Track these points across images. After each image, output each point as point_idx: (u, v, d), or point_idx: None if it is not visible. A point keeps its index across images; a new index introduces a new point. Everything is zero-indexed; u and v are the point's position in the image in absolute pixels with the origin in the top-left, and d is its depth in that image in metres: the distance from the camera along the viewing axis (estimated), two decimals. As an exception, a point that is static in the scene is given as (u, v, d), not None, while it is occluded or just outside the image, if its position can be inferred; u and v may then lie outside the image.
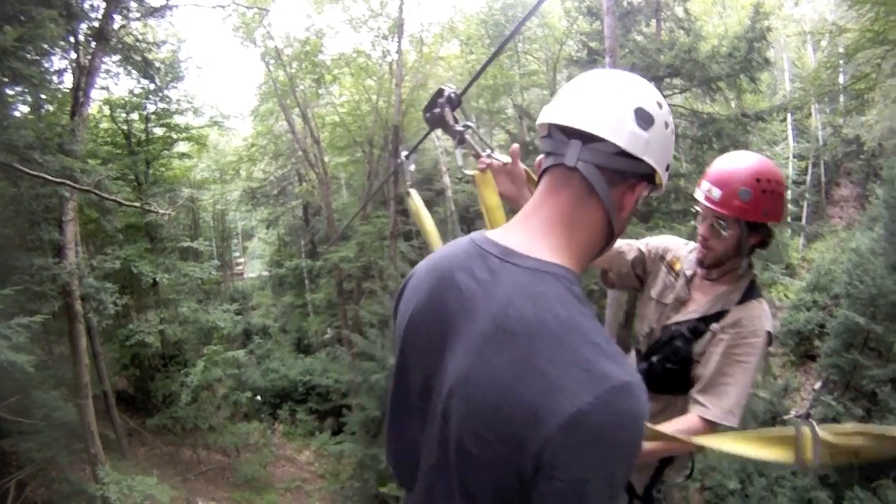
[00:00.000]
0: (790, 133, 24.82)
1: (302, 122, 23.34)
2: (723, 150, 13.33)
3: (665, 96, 10.98)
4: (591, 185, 1.05)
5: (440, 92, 1.86)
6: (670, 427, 1.72)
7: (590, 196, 1.06)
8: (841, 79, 14.58)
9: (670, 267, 2.30)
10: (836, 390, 12.97)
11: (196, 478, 14.89)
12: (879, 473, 10.01)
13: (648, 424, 1.35)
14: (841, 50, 11.78)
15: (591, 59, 14.36)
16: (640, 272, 2.42)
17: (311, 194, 25.15)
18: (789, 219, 22.22)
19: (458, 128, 1.83)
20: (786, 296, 18.74)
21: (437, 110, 1.88)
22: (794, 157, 24.48)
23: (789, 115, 22.89)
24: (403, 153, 2.62)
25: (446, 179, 21.99)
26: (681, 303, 2.20)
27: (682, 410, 2.07)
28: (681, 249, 2.31)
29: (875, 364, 11.89)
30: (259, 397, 19.38)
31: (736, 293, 2.06)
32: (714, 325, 2.03)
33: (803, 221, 23.88)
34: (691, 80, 12.79)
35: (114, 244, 14.96)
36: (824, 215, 24.66)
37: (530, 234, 1.07)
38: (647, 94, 1.10)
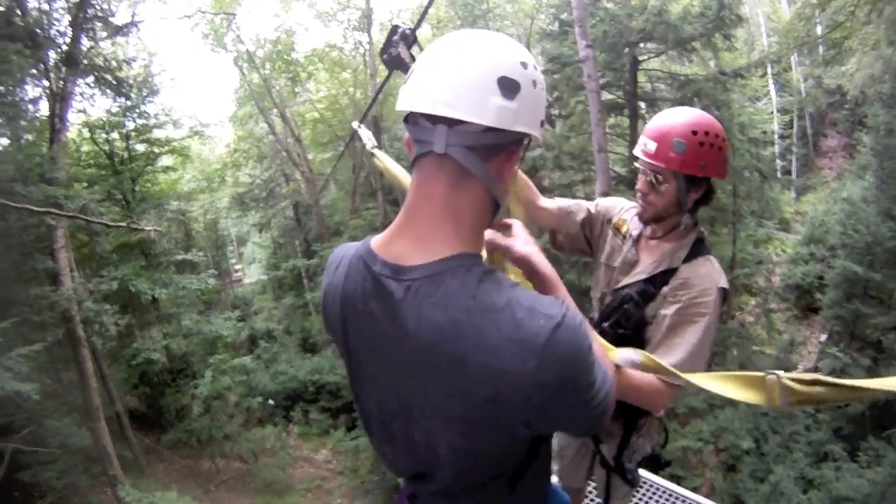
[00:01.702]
0: (772, 88, 24.74)
1: (282, 123, 23.27)
2: (704, 111, 13.35)
3: (640, 61, 11.04)
4: (465, 168, 1.02)
5: (394, 29, 1.83)
6: (637, 379, 1.67)
7: (465, 178, 1.04)
8: (818, 30, 14.55)
9: (616, 229, 2.26)
10: (841, 342, 13.08)
11: (217, 488, 15.04)
12: (892, 422, 10.16)
13: (646, 353, 1.43)
14: (815, 1, 11.70)
15: (563, 32, 14.32)
16: (589, 234, 2.38)
17: (299, 193, 25.13)
18: (779, 173, 22.30)
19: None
20: (782, 250, 18.84)
21: (392, 50, 1.84)
22: (777, 111, 24.44)
23: (769, 70, 22.84)
24: (355, 123, 2.66)
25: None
26: (629, 265, 2.16)
27: None
28: (626, 212, 2.26)
29: (877, 312, 11.96)
30: (271, 401, 19.45)
31: (682, 251, 2.01)
32: (664, 289, 1.99)
33: (793, 175, 23.96)
34: (665, 42, 12.75)
35: (109, 265, 14.96)
36: (814, 167, 24.65)
37: (417, 239, 1.06)
38: (508, 58, 1.02)
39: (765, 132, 20.27)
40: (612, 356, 1.48)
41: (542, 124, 1.08)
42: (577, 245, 2.41)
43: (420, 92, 1.01)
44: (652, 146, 1.93)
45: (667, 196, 1.97)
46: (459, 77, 0.98)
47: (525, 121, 1.03)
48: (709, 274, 1.92)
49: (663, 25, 12.13)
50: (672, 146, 1.88)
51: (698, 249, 2.00)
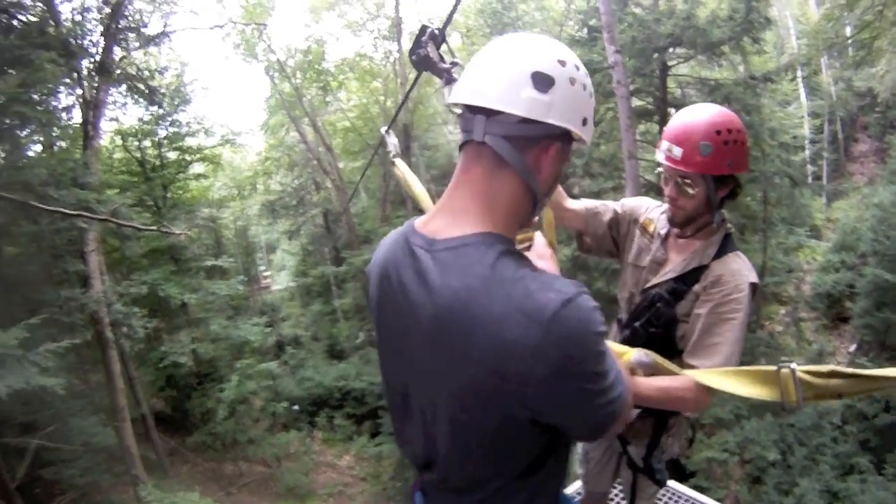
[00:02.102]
0: (802, 91, 24.22)
1: (313, 131, 23.57)
2: (735, 116, 13.21)
3: (669, 66, 10.93)
4: (501, 156, 1.09)
5: (423, 30, 1.83)
6: (668, 383, 1.71)
7: (501, 166, 1.10)
8: (847, 31, 14.26)
9: (644, 229, 2.26)
10: (871, 351, 12.74)
11: (239, 490, 15.20)
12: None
13: (658, 357, 1.44)
14: (842, 1, 11.50)
15: (592, 38, 14.26)
16: (616, 234, 2.38)
17: (329, 202, 25.39)
18: (809, 179, 21.82)
19: (445, 66, 1.80)
20: (813, 258, 18.40)
21: (421, 51, 1.84)
22: (808, 115, 23.93)
23: (799, 74, 22.39)
24: (383, 128, 2.65)
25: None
26: (658, 264, 2.16)
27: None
28: (652, 211, 2.26)
29: (909, 321, 11.65)
30: (296, 406, 19.62)
31: (711, 248, 2.02)
32: (696, 287, 1.99)
33: (824, 181, 23.40)
34: (694, 47, 12.62)
35: (139, 270, 15.29)
36: (845, 172, 24.01)
37: (452, 216, 1.13)
38: (544, 55, 1.09)
39: (795, 137, 19.77)
40: (626, 358, 1.54)
41: (584, 122, 1.13)
42: (604, 246, 2.41)
43: (464, 85, 1.12)
44: (677, 151, 1.92)
45: (697, 199, 1.97)
46: (497, 71, 1.08)
47: (559, 115, 1.08)
48: (740, 270, 1.93)
49: (692, 30, 12.02)
50: (698, 149, 1.88)
51: (727, 246, 2.02)
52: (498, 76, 1.07)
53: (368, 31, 22.17)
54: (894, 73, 13.97)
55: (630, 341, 2.11)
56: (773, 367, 1.16)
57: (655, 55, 12.91)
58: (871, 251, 13.04)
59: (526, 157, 1.10)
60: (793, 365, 1.13)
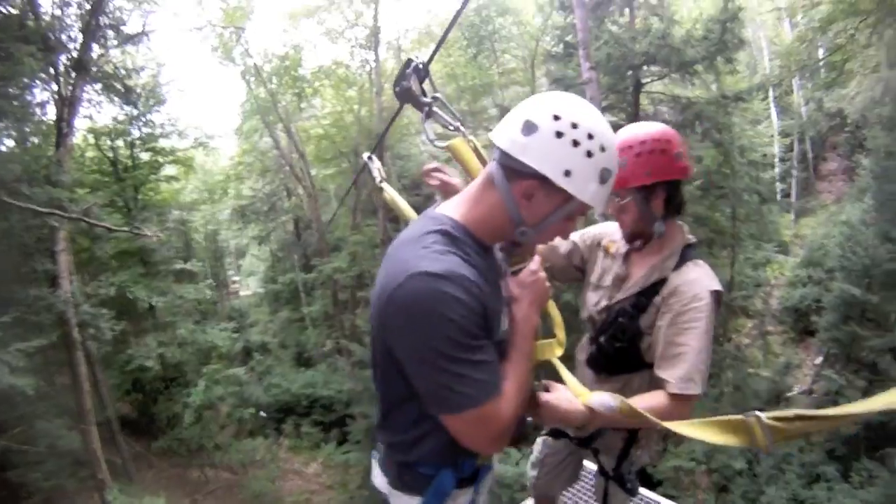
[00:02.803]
0: (773, 111, 24.87)
1: (286, 137, 23.44)
2: (705, 134, 13.48)
3: (643, 84, 11.20)
4: (494, 176, 1.37)
5: (407, 63, 1.88)
6: (641, 403, 1.69)
7: (494, 185, 1.38)
8: (820, 53, 14.73)
9: (606, 251, 2.34)
10: (836, 364, 13.05)
11: (205, 497, 14.96)
12: (886, 442, 10.14)
13: (623, 399, 1.50)
14: (816, 24, 11.91)
15: (568, 53, 14.48)
16: (579, 263, 2.47)
17: (300, 208, 25.23)
18: (778, 196, 22.41)
19: (426, 100, 1.87)
20: (781, 273, 18.89)
21: (405, 83, 1.89)
22: (778, 134, 24.57)
23: (771, 93, 23.03)
24: (365, 154, 2.74)
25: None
26: (620, 280, 2.21)
27: (639, 389, 2.09)
28: (615, 234, 2.31)
29: (874, 334, 11.93)
30: (263, 413, 19.39)
31: (671, 260, 2.06)
32: (656, 298, 2.04)
33: (792, 198, 24.08)
34: (668, 65, 12.87)
35: (108, 271, 15.03)
36: (813, 191, 24.69)
37: (451, 204, 1.46)
38: (543, 108, 1.31)
39: (765, 155, 20.42)
40: (584, 400, 1.59)
41: (567, 174, 1.29)
42: (568, 275, 2.51)
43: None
44: None
45: (631, 211, 2.08)
46: (510, 116, 1.36)
47: (532, 157, 1.28)
48: (698, 279, 1.98)
49: (666, 49, 12.25)
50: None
51: (687, 256, 2.06)
52: (508, 119, 1.35)
53: (346, 40, 22.13)
54: (864, 95, 14.48)
55: (597, 357, 2.23)
56: (741, 417, 1.22)
57: (630, 73, 13.15)
58: (838, 266, 13.39)
59: (512, 185, 1.34)
60: (758, 412, 1.22)
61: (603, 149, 1.31)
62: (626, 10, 13.83)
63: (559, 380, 1.69)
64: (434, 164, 2.04)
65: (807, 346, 15.99)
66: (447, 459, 1.52)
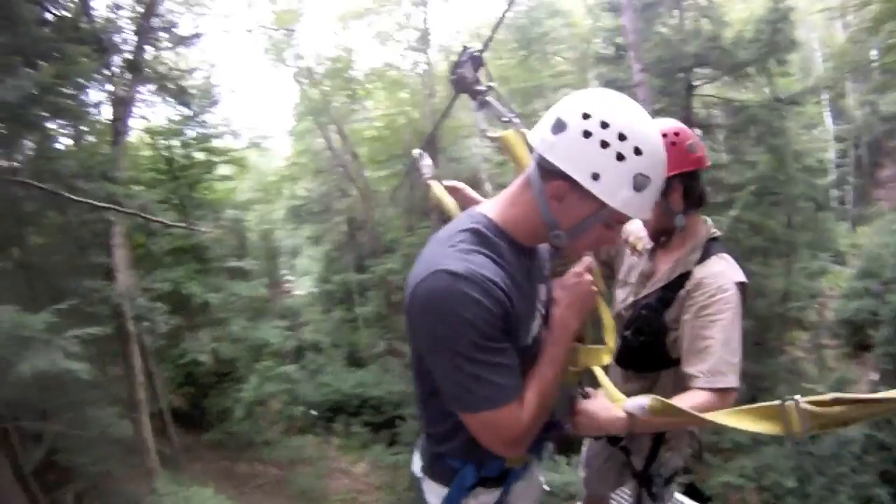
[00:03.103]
0: (827, 115, 23.95)
1: (339, 139, 23.78)
2: (759, 139, 13.04)
3: (694, 87, 10.97)
4: (530, 175, 1.36)
5: (463, 50, 1.88)
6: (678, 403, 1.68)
7: (530, 185, 1.36)
8: (874, 54, 14.05)
9: (633, 248, 2.36)
10: (893, 381, 12.43)
11: (252, 491, 15.18)
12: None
13: (654, 396, 1.45)
14: (867, 25, 11.35)
15: (618, 56, 14.27)
16: (606, 258, 2.51)
17: (354, 209, 25.55)
18: (834, 203, 21.49)
19: (481, 88, 1.84)
20: (836, 284, 18.08)
21: (459, 71, 1.88)
22: (833, 139, 23.62)
23: (824, 97, 22.12)
24: (415, 150, 2.65)
25: (487, 187, 21.99)
26: (646, 276, 2.24)
27: (667, 387, 2.09)
28: (640, 230, 2.34)
29: (933, 351, 11.36)
30: (314, 411, 19.66)
31: (695, 254, 2.09)
32: (680, 292, 2.05)
33: (848, 206, 23.07)
34: (719, 67, 12.59)
35: (163, 267, 15.46)
36: (870, 198, 23.71)
37: (492, 202, 1.45)
38: (574, 106, 1.26)
39: (820, 161, 19.62)
40: (619, 405, 1.56)
41: (595, 177, 1.23)
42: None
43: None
44: None
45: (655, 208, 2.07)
46: (546, 114, 1.33)
47: (559, 156, 1.25)
48: (723, 271, 1.99)
49: (717, 50, 12.00)
50: None
51: (711, 249, 2.09)
52: (544, 117, 1.33)
53: (397, 42, 22.39)
54: (920, 98, 13.75)
55: (623, 352, 2.22)
56: (777, 402, 1.15)
57: (681, 75, 12.88)
58: (895, 278, 12.72)
59: (545, 185, 1.31)
60: (797, 397, 1.10)
61: (638, 152, 1.22)
62: (676, 12, 13.49)
63: (598, 386, 1.69)
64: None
65: (862, 362, 15.25)
66: (472, 455, 1.53)
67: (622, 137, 1.20)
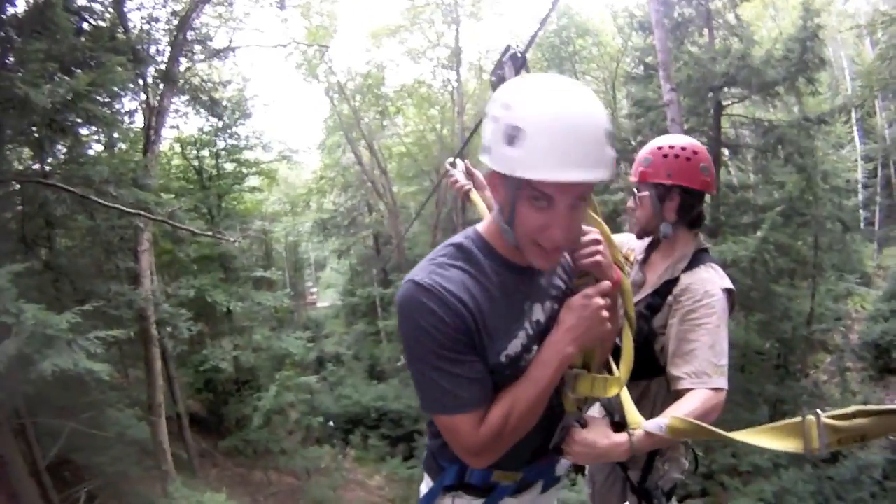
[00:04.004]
0: (856, 134, 23.45)
1: (369, 154, 24.05)
2: (787, 158, 12.85)
3: (724, 105, 10.86)
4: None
5: (506, 50, 1.87)
6: (680, 412, 1.66)
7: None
8: (902, 71, 13.77)
9: (626, 259, 2.34)
10: (918, 407, 12.05)
11: (266, 499, 15.25)
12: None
13: (672, 415, 1.41)
14: None
15: (648, 75, 14.22)
16: None
17: (381, 224, 25.76)
18: (861, 224, 20.99)
19: None
20: (862, 307, 17.62)
21: (499, 71, 1.88)
22: (861, 159, 23.09)
23: (853, 116, 21.65)
24: (449, 160, 2.66)
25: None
26: (637, 286, 2.24)
27: (657, 395, 2.10)
28: (633, 241, 2.38)
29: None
30: (331, 422, 19.75)
31: (682, 261, 2.11)
32: (668, 298, 2.06)
33: (876, 226, 22.53)
34: (748, 86, 12.45)
35: (188, 274, 15.73)
36: (897, 218, 23.14)
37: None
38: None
39: (848, 181, 19.22)
40: (639, 427, 1.50)
41: (486, 150, 1.21)
42: None
43: None
44: (632, 170, 2.22)
45: (646, 207, 2.17)
46: None
47: (484, 150, 1.22)
48: (710, 278, 2.00)
49: (746, 69, 11.86)
50: (642, 162, 2.15)
51: (699, 259, 2.11)
52: None
53: (428, 59, 22.68)
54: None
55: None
56: (798, 419, 1.11)
57: (710, 94, 12.78)
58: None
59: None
60: (818, 411, 1.09)
61: (507, 107, 1.13)
62: (706, 31, 13.41)
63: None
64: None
65: (886, 385, 14.79)
66: (455, 457, 1.46)
67: (501, 103, 1.16)
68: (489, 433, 1.29)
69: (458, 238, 1.38)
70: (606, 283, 1.37)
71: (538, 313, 1.41)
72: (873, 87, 12.63)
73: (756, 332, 13.24)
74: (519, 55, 1.83)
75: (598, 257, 1.36)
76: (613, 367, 1.63)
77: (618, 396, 1.58)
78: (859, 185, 22.05)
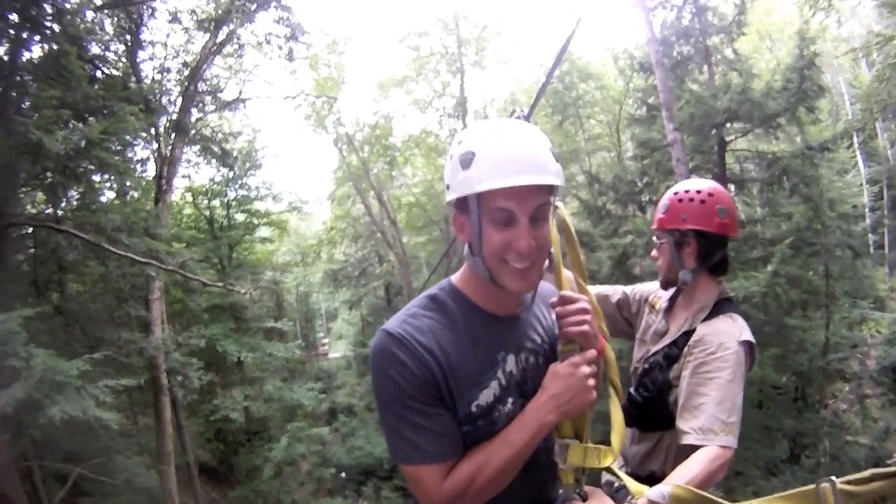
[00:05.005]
0: (859, 158, 23.36)
1: (378, 205, 24.25)
2: (793, 190, 12.85)
3: (727, 141, 10.92)
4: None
5: (512, 113, 1.87)
6: (679, 476, 1.64)
7: None
8: (900, 90, 13.81)
9: (651, 307, 2.37)
10: (941, 428, 11.77)
11: (278, 550, 14.91)
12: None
13: (674, 483, 1.37)
14: (892, 61, 11.25)
15: (651, 116, 14.35)
16: (627, 315, 2.49)
17: (391, 275, 25.78)
18: (871, 248, 20.75)
19: None
20: (878, 331, 17.29)
21: None
22: (866, 182, 22.97)
23: (855, 140, 21.63)
24: None
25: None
26: (659, 335, 2.23)
27: (670, 448, 2.04)
28: (660, 290, 2.35)
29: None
30: (343, 474, 19.41)
31: (703, 312, 2.07)
32: (685, 349, 2.02)
33: (885, 249, 22.26)
34: (750, 120, 12.53)
35: (199, 323, 15.77)
36: (907, 239, 22.86)
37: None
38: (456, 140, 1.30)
39: (855, 206, 19.06)
40: (641, 496, 1.41)
41: (448, 187, 1.29)
42: (617, 327, 2.51)
43: None
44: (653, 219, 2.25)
45: (665, 255, 2.18)
46: None
47: (447, 191, 1.30)
48: (727, 330, 1.95)
49: (748, 103, 11.95)
50: (659, 209, 2.19)
51: (720, 308, 2.07)
52: None
53: (434, 109, 23.05)
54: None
55: (628, 409, 2.15)
56: (812, 486, 1.11)
57: (713, 131, 12.83)
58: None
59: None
60: (833, 478, 1.08)
61: (461, 142, 1.26)
62: (705, 67, 13.59)
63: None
64: None
65: None
66: None
67: (456, 142, 1.28)
68: (453, 488, 1.28)
69: (432, 290, 1.41)
70: (592, 352, 1.37)
71: (511, 364, 1.40)
72: (873, 109, 12.62)
73: (771, 367, 12.99)
74: (521, 117, 1.88)
75: (585, 327, 1.35)
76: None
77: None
78: (866, 210, 21.88)
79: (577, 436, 1.44)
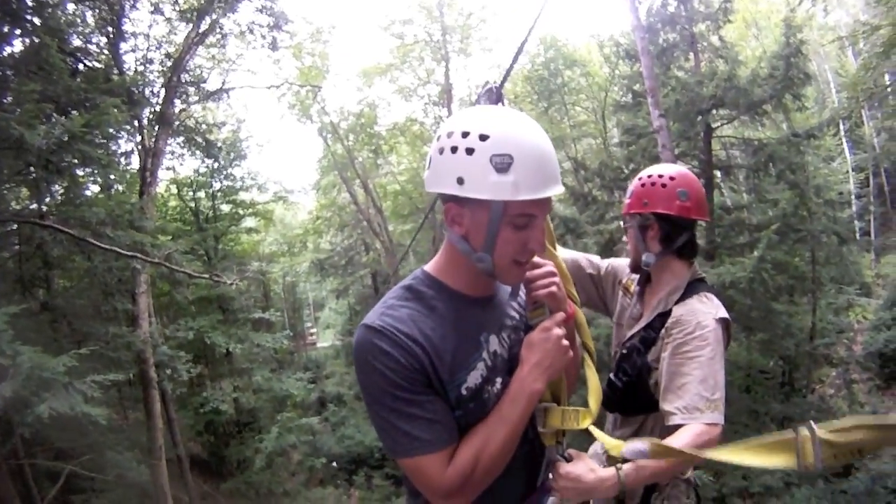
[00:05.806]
0: (845, 146, 23.63)
1: (364, 193, 24.18)
2: (779, 176, 12.94)
3: (713, 128, 10.94)
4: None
5: (485, 85, 1.91)
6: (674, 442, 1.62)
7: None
8: (887, 79, 13.92)
9: (625, 290, 2.37)
10: (927, 412, 11.95)
11: (270, 540, 14.95)
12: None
13: (656, 440, 1.42)
14: (879, 50, 11.32)
15: (636, 103, 14.37)
16: (601, 293, 2.51)
17: (378, 263, 25.74)
18: (857, 235, 21.05)
19: None
20: (864, 317, 17.56)
21: (478, 104, 1.88)
22: (852, 169, 23.23)
23: (841, 128, 21.84)
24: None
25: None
26: (634, 319, 2.24)
27: (653, 431, 2.05)
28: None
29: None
30: (334, 463, 19.48)
31: (676, 293, 2.09)
32: (661, 331, 2.04)
33: (872, 236, 22.57)
34: (736, 107, 12.57)
35: (187, 316, 15.69)
36: (893, 226, 23.20)
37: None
38: (439, 135, 1.27)
39: (841, 193, 19.29)
40: (616, 451, 1.47)
41: (460, 181, 1.22)
42: (590, 298, 2.53)
43: None
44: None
45: (632, 239, 2.21)
46: None
47: (433, 182, 1.27)
48: (703, 309, 1.97)
49: (734, 90, 11.98)
50: (627, 195, 2.23)
51: (693, 289, 2.08)
52: None
53: (419, 97, 22.94)
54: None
55: (608, 394, 2.17)
56: (791, 434, 1.09)
57: (699, 118, 12.86)
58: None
59: (446, 217, 1.31)
60: (812, 424, 1.07)
61: (484, 138, 1.20)
62: (691, 55, 13.61)
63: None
64: None
65: (894, 393, 14.66)
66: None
67: (465, 134, 1.21)
68: (458, 474, 1.28)
69: (406, 280, 1.41)
70: (561, 314, 1.40)
71: (494, 344, 1.42)
72: (859, 97, 12.74)
73: (759, 352, 13.15)
74: (494, 89, 1.86)
75: (553, 288, 1.39)
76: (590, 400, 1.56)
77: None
78: (852, 197, 22.15)
79: (555, 399, 1.50)
